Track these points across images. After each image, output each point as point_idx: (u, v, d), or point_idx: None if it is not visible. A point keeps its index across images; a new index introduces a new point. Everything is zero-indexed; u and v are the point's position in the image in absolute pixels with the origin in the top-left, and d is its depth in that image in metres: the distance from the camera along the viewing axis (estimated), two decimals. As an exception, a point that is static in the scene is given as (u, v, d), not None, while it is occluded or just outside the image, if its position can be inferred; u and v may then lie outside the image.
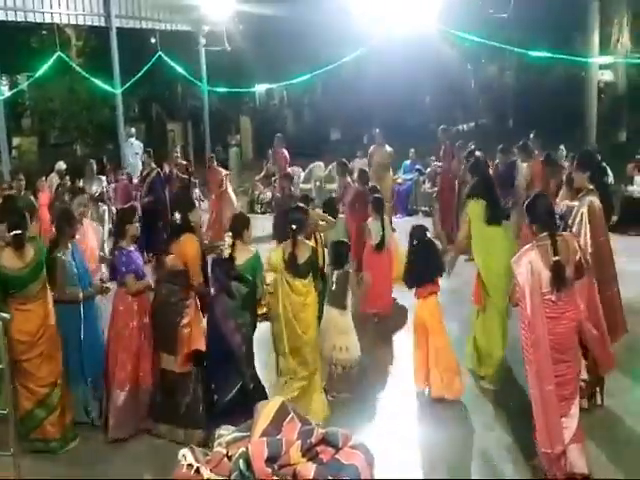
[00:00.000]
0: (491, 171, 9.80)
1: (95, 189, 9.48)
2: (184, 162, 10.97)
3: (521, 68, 22.99)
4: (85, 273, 5.01)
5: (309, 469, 2.60)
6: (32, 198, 8.92)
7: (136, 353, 4.82)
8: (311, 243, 5.26)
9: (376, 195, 7.35)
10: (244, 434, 2.84)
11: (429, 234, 5.26)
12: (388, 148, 10.68)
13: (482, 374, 5.43)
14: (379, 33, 13.05)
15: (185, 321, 4.64)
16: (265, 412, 2.85)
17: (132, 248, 4.91)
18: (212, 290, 4.87)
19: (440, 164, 10.90)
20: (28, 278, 4.56)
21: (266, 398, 4.38)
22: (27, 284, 4.57)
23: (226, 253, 4.69)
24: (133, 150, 13.43)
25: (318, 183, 13.01)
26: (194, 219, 4.98)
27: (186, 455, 2.77)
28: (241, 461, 2.62)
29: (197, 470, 2.70)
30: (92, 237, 6.09)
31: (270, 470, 2.58)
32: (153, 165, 10.02)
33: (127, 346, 4.81)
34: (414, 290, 5.23)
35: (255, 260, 4.79)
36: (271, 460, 2.60)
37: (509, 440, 4.58)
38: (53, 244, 4.88)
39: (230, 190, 11.24)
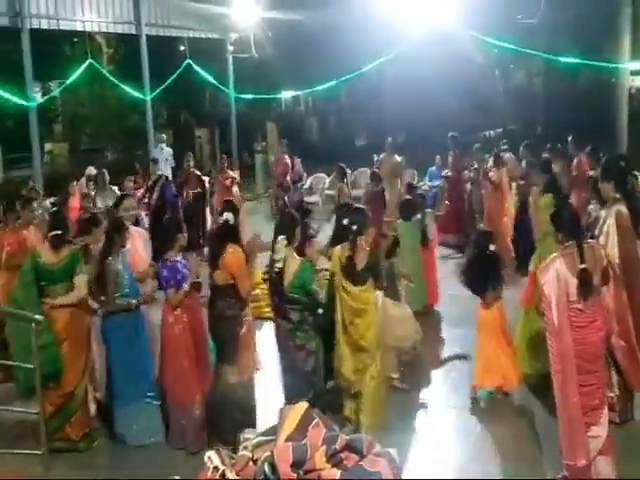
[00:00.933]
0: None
1: (109, 201, 8.77)
2: (197, 172, 10.89)
3: (550, 74, 22.75)
4: (132, 282, 4.95)
5: (334, 475, 2.61)
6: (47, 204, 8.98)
7: (196, 364, 4.70)
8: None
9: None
10: (269, 438, 2.86)
11: (492, 247, 5.20)
12: (397, 157, 10.77)
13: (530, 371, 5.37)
14: (406, 39, 13.06)
15: (244, 331, 4.59)
16: (290, 417, 2.88)
17: (179, 257, 4.80)
18: (272, 307, 4.81)
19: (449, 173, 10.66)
20: (58, 274, 4.76)
21: (332, 407, 4.44)
22: (56, 281, 4.76)
23: (278, 265, 4.54)
24: (163, 156, 13.60)
25: (343, 189, 13.01)
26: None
27: (212, 457, 2.80)
28: (266, 465, 2.64)
29: (223, 473, 2.72)
30: (139, 243, 5.93)
31: (295, 475, 2.60)
32: (159, 173, 9.96)
33: (188, 358, 4.67)
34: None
35: (302, 273, 4.57)
36: (296, 465, 2.62)
37: (537, 451, 4.53)
38: (104, 252, 4.92)
39: (238, 195, 11.16)
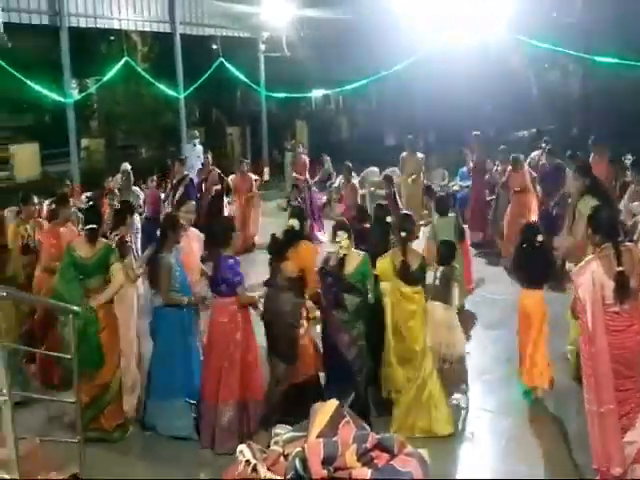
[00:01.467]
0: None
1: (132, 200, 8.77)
2: (218, 170, 10.92)
3: (587, 74, 22.28)
4: (185, 280, 4.95)
5: (365, 474, 2.62)
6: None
7: (241, 366, 4.65)
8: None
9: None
10: (300, 434, 2.87)
11: (540, 237, 5.16)
12: (419, 155, 10.74)
13: None
14: (438, 38, 12.96)
15: (303, 331, 4.59)
16: (321, 414, 2.88)
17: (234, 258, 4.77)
18: (324, 302, 4.77)
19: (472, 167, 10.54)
20: (91, 268, 4.88)
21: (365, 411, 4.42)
22: (90, 275, 4.88)
23: (342, 252, 4.60)
24: (195, 153, 13.73)
25: (372, 189, 12.98)
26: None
27: (244, 451, 2.82)
28: (297, 460, 2.65)
29: (254, 467, 2.74)
30: (195, 245, 5.88)
31: (326, 472, 2.60)
32: (185, 172, 10.02)
33: (231, 359, 4.62)
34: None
35: (364, 265, 4.66)
36: (327, 461, 2.62)
37: (573, 457, 4.47)
38: (157, 247, 4.99)
39: (258, 197, 11.07)
